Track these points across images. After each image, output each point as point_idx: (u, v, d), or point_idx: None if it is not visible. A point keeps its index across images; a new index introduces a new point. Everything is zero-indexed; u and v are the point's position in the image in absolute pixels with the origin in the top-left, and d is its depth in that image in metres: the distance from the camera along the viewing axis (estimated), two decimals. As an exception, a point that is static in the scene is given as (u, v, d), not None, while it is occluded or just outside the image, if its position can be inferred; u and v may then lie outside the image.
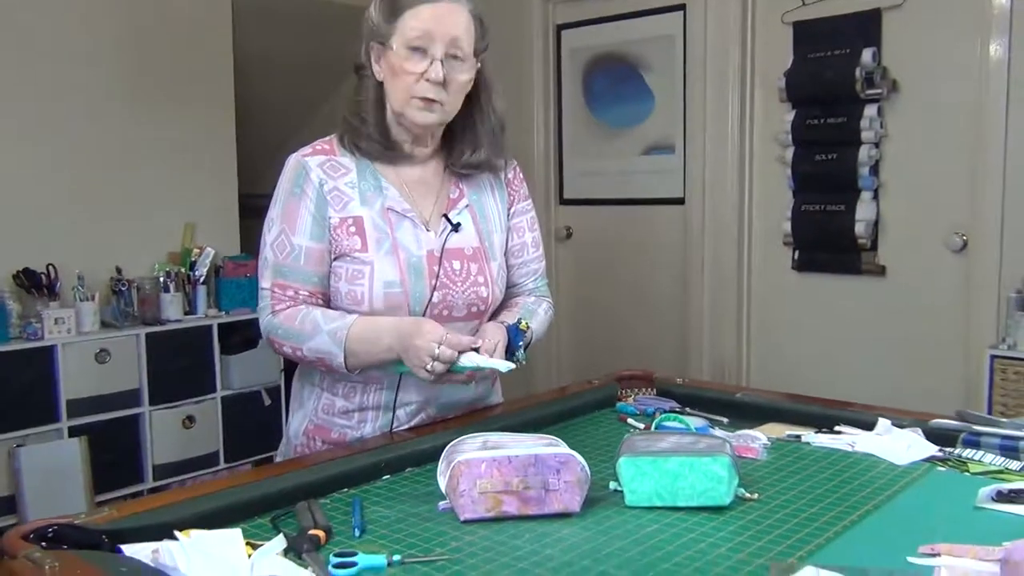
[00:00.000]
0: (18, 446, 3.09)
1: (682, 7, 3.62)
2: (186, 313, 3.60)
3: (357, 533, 1.15)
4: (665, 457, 1.22)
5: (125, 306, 3.44)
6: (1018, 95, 2.84)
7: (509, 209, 1.71)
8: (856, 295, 3.27)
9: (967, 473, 1.35)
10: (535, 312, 1.69)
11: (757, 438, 1.51)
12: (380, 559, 1.05)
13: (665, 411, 1.68)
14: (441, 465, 1.25)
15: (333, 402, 1.60)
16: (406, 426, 1.59)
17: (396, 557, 1.06)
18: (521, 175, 1.76)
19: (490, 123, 1.62)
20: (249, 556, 1.03)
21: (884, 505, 1.23)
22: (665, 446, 1.25)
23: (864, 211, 3.17)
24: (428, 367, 1.42)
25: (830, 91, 3.18)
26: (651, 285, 3.83)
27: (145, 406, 3.43)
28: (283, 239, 1.54)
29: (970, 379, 2.95)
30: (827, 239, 3.28)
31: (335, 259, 1.55)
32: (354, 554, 1.06)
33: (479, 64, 1.56)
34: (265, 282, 1.56)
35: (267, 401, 3.80)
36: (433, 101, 1.50)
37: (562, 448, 1.22)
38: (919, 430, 1.49)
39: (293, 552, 1.07)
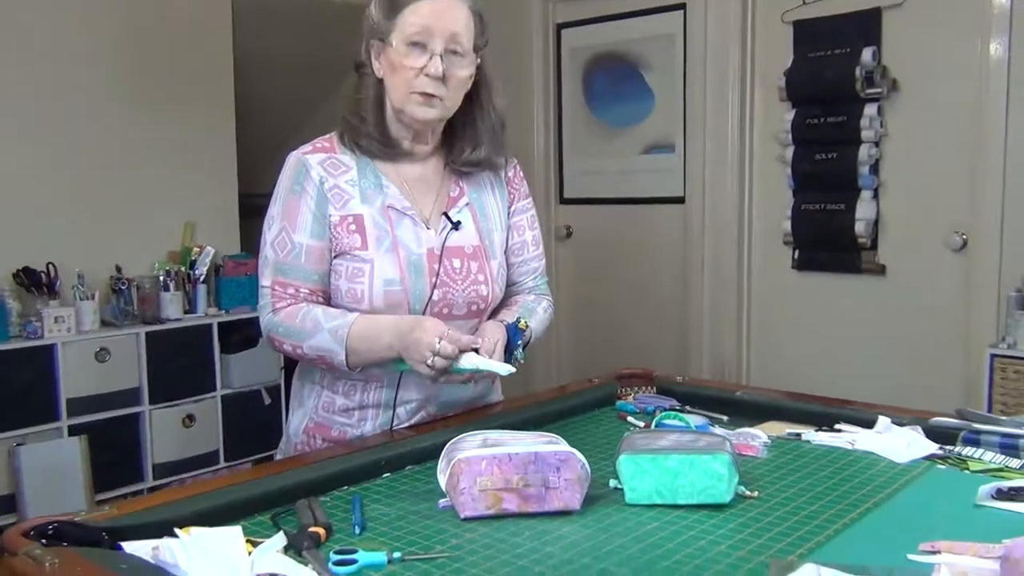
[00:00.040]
0: (18, 445, 3.09)
1: (682, 6, 3.62)
2: (186, 312, 3.60)
3: (357, 531, 1.15)
4: (665, 455, 1.22)
5: (125, 305, 3.44)
6: (1018, 94, 2.84)
7: (509, 207, 1.71)
8: (856, 294, 3.27)
9: (967, 471, 1.35)
10: (534, 311, 1.69)
11: (757, 436, 1.51)
12: (380, 556, 1.05)
13: (665, 409, 1.68)
14: (441, 463, 1.25)
15: (333, 400, 1.60)
16: (406, 424, 1.59)
17: (396, 554, 1.06)
18: (521, 173, 1.76)
19: (490, 121, 1.62)
20: (249, 553, 1.03)
21: (884, 503, 1.23)
22: (665, 444, 1.25)
23: (864, 210, 3.17)
24: (428, 361, 1.42)
25: (830, 90, 3.18)
26: (651, 284, 3.83)
27: (145, 405, 3.43)
28: (283, 237, 1.54)
29: (970, 378, 2.95)
30: (827, 238, 3.28)
31: (335, 257, 1.55)
32: (354, 551, 1.06)
33: (479, 60, 1.57)
34: (265, 280, 1.56)
35: (267, 400, 3.80)
36: (433, 96, 1.50)
37: (562, 446, 1.22)
38: (919, 428, 1.49)
39: (293, 549, 1.07)
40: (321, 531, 1.11)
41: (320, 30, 4.25)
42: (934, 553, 1.03)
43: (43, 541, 1.01)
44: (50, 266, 3.27)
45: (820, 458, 1.43)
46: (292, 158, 1.58)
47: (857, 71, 3.09)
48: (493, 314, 1.65)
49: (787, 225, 3.36)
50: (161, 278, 3.54)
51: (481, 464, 1.18)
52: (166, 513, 1.13)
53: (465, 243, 1.61)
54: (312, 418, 1.62)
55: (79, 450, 3.19)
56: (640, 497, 1.22)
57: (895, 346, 3.17)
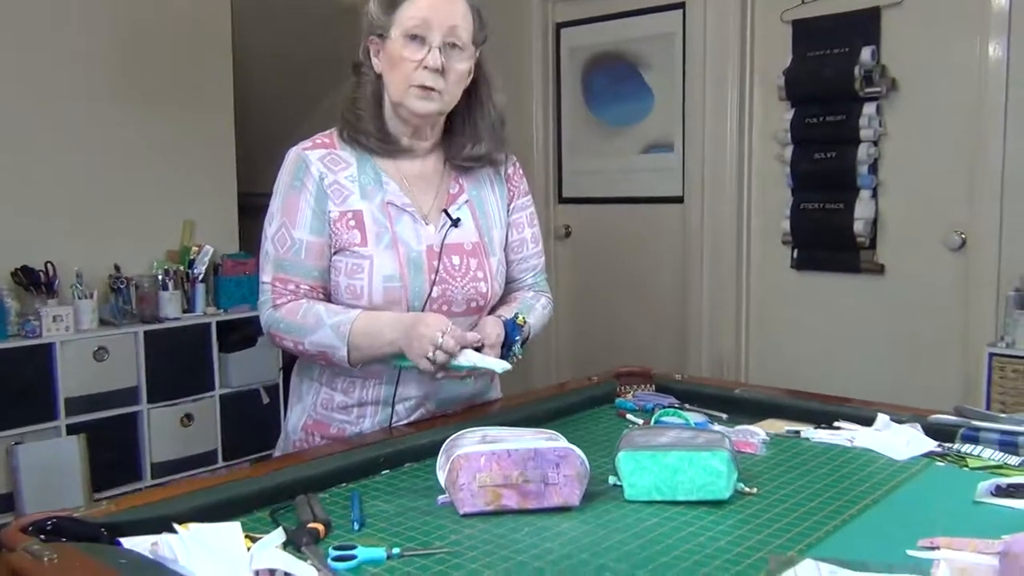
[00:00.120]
0: (16, 443, 3.09)
1: (681, 5, 3.62)
2: (185, 311, 3.60)
3: (356, 527, 1.15)
4: (664, 451, 1.22)
5: (123, 304, 3.43)
6: (1016, 94, 2.85)
7: (509, 205, 1.71)
8: (855, 293, 3.27)
9: (966, 468, 1.35)
10: (533, 307, 1.69)
11: (756, 433, 1.51)
12: (379, 552, 1.05)
13: (664, 407, 1.68)
14: (440, 459, 1.25)
15: (332, 397, 1.60)
16: (405, 421, 1.59)
17: (395, 550, 1.06)
18: (521, 171, 1.76)
19: (490, 117, 1.63)
20: (248, 549, 1.02)
21: (883, 499, 1.23)
22: (664, 441, 1.25)
23: (863, 209, 3.17)
24: (430, 355, 1.42)
25: (829, 89, 3.18)
26: (650, 283, 3.83)
27: (143, 404, 3.43)
28: (283, 233, 1.54)
29: (968, 377, 2.95)
30: (826, 237, 3.29)
31: (335, 253, 1.55)
32: (353, 547, 1.06)
33: (477, 53, 1.57)
34: (266, 276, 1.56)
35: (265, 399, 3.80)
36: (432, 89, 1.51)
37: (561, 442, 1.22)
38: (918, 425, 1.50)
39: (292, 545, 1.07)
40: (320, 527, 1.11)
41: (320, 27, 4.25)
42: (933, 549, 1.03)
43: (42, 537, 1.01)
44: (48, 265, 3.27)
45: (819, 455, 1.43)
46: (292, 154, 1.58)
47: (856, 70, 3.09)
48: (492, 310, 1.65)
49: (786, 224, 3.36)
50: (160, 277, 3.54)
51: (480, 460, 1.18)
52: (165, 509, 1.13)
53: (464, 240, 1.61)
54: (311, 415, 1.62)
55: (77, 449, 3.19)
56: (639, 493, 1.22)
57: (894, 346, 3.17)
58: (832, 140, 3.21)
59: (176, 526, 1.06)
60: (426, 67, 1.49)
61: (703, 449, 1.21)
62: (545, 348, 4.03)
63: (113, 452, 3.32)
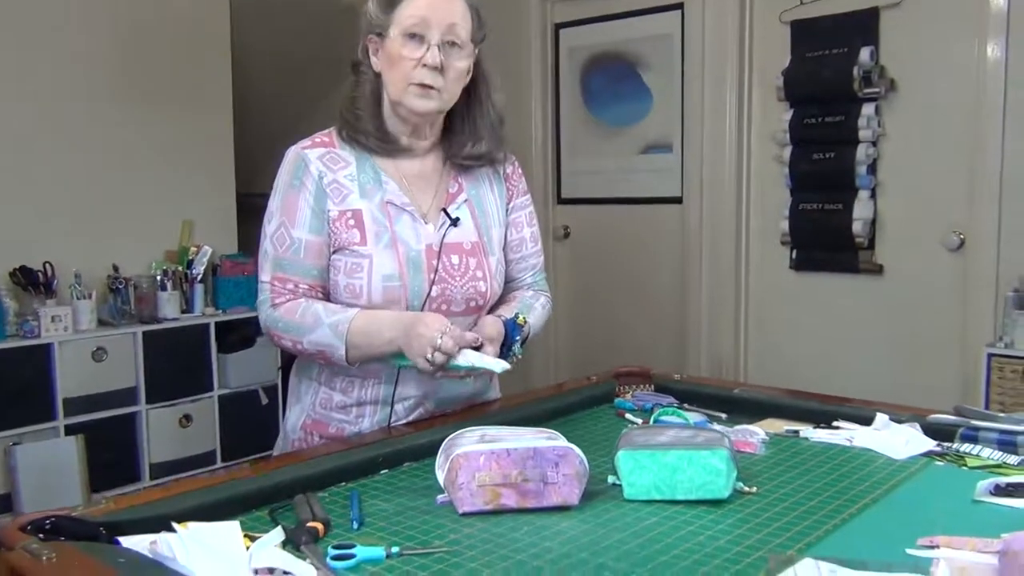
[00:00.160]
0: (14, 444, 3.09)
1: (680, 6, 3.62)
2: (183, 311, 3.60)
3: (355, 526, 1.15)
4: (664, 451, 1.22)
5: (122, 304, 3.43)
6: (1015, 95, 2.85)
7: (508, 204, 1.71)
8: (854, 294, 3.27)
9: (965, 467, 1.35)
10: (532, 307, 1.69)
11: (755, 433, 1.51)
12: (378, 551, 1.05)
13: (663, 406, 1.68)
14: (439, 458, 1.25)
15: (331, 397, 1.60)
16: (404, 421, 1.59)
17: (395, 549, 1.06)
18: (520, 170, 1.76)
19: (489, 116, 1.63)
20: (247, 548, 1.02)
21: (883, 499, 1.23)
22: (664, 440, 1.25)
23: (862, 210, 3.17)
24: (429, 356, 1.41)
25: (828, 90, 3.18)
26: (649, 283, 3.83)
27: (142, 404, 3.42)
28: (282, 232, 1.54)
29: (967, 377, 2.95)
30: (825, 238, 3.29)
31: (334, 252, 1.55)
32: (352, 546, 1.05)
33: (476, 52, 1.57)
34: (265, 275, 1.56)
35: (264, 400, 3.80)
36: (431, 88, 1.51)
37: (560, 441, 1.22)
38: (917, 425, 1.50)
39: (291, 544, 1.07)
40: (319, 526, 1.11)
41: (319, 26, 4.25)
42: (933, 548, 1.03)
43: (40, 536, 1.01)
44: (47, 265, 3.27)
45: (818, 455, 1.43)
46: (291, 153, 1.58)
47: (855, 71, 3.09)
48: (491, 310, 1.65)
49: (785, 225, 3.36)
50: (158, 277, 3.54)
51: (479, 459, 1.18)
52: (164, 508, 1.13)
53: (464, 239, 1.61)
54: (310, 415, 1.62)
55: (76, 449, 3.19)
56: (638, 492, 1.22)
57: (893, 346, 3.17)
58: (831, 140, 3.21)
59: (175, 525, 1.05)
60: (425, 65, 1.49)
61: (702, 448, 1.21)
62: (544, 348, 4.03)
63: (112, 453, 3.32)
